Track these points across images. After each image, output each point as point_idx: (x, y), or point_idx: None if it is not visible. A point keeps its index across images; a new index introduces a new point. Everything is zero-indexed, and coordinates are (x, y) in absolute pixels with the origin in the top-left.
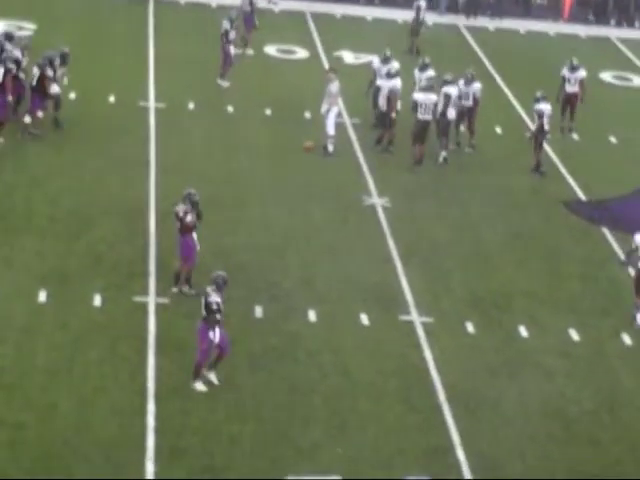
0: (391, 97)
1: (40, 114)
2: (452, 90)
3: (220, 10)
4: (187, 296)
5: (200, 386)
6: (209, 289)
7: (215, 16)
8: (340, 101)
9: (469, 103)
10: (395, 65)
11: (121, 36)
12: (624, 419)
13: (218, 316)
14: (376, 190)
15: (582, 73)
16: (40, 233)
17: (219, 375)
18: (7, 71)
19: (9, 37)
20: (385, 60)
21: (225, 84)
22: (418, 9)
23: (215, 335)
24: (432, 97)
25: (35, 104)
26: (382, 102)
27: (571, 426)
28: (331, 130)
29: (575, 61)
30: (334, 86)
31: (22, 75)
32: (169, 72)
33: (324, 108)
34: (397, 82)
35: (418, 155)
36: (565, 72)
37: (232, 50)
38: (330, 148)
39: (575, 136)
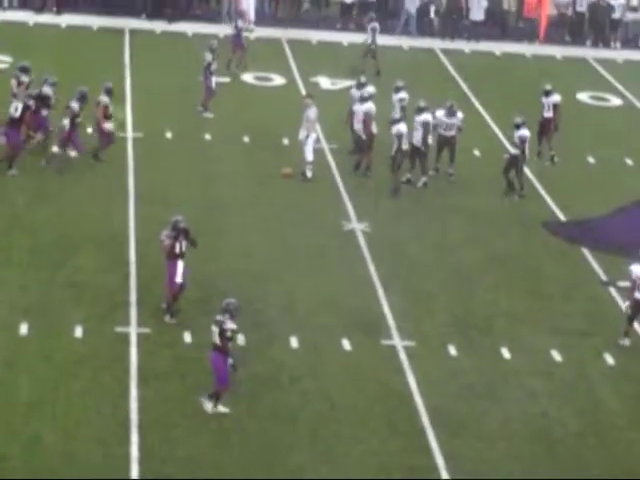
0: (366, 120)
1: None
2: (429, 117)
3: (196, 38)
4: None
5: (224, 409)
6: (221, 317)
7: (191, 45)
8: (318, 127)
9: (452, 133)
10: (369, 89)
11: (97, 66)
12: (608, 439)
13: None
14: (355, 215)
15: (555, 98)
16: (20, 264)
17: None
18: (26, 108)
19: (24, 69)
20: (359, 86)
21: (210, 115)
22: (373, 31)
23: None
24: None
25: (76, 140)
26: (358, 127)
27: (555, 447)
28: (309, 156)
29: (548, 86)
30: (312, 112)
31: (45, 112)
32: (146, 102)
33: (302, 134)
34: (371, 105)
35: (398, 183)
36: (542, 97)
37: (214, 82)
38: (309, 174)
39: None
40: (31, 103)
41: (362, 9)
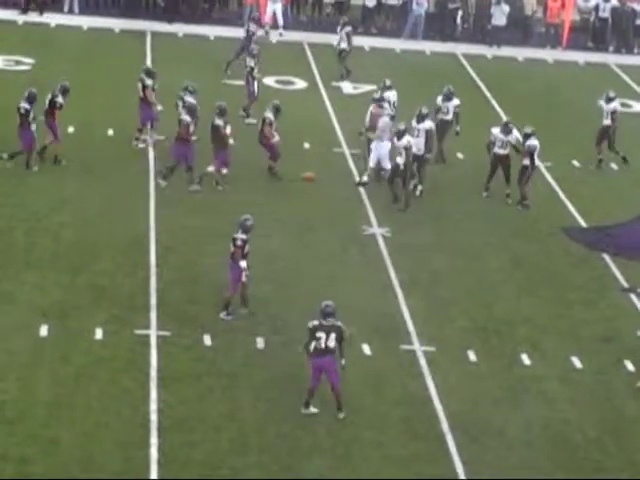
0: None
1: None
2: (431, 124)
3: (218, 41)
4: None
5: (313, 409)
6: (317, 322)
7: (213, 48)
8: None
9: (506, 151)
10: (392, 95)
11: (119, 69)
12: (629, 446)
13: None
14: (376, 220)
15: (615, 105)
16: (41, 267)
17: (222, 408)
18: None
19: (149, 73)
20: (386, 88)
21: (253, 121)
22: (348, 35)
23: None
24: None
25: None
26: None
27: (575, 453)
28: (372, 163)
29: (612, 93)
30: (382, 121)
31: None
32: (168, 104)
33: (374, 140)
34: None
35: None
36: (601, 103)
37: (256, 87)
38: (365, 179)
39: (576, 162)
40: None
41: (383, 12)
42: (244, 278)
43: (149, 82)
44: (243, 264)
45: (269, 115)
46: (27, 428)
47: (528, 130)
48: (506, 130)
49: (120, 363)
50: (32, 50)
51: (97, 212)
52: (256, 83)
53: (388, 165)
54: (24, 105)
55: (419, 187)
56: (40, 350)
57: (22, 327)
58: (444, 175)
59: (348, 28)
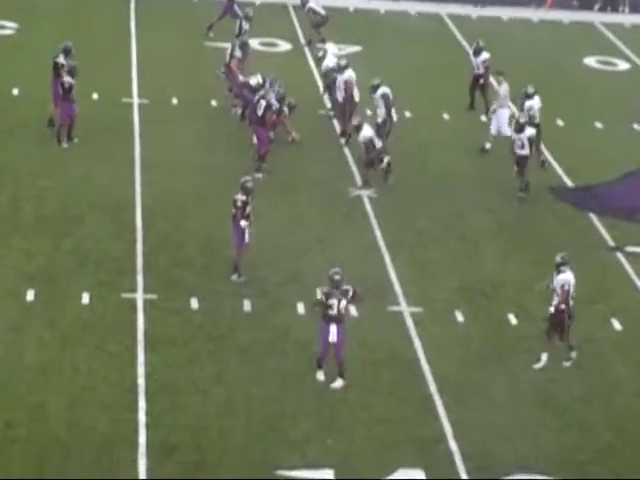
0: (347, 87)
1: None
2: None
3: (202, 5)
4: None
5: (321, 376)
6: (327, 289)
7: (197, 11)
8: (510, 103)
9: (524, 152)
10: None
11: (103, 33)
12: (615, 404)
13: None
14: (362, 181)
15: (483, 56)
16: (26, 232)
17: (209, 371)
18: (268, 107)
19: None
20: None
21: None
22: (313, 10)
23: (332, 332)
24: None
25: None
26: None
27: (562, 412)
28: (493, 129)
29: (481, 43)
30: (503, 88)
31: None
32: (152, 68)
33: (492, 108)
34: (350, 73)
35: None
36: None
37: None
38: (487, 146)
39: (560, 122)
40: (274, 102)
41: None
42: (247, 239)
43: (238, 54)
44: (243, 223)
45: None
46: (13, 392)
47: (530, 90)
48: (519, 128)
49: (107, 327)
50: (15, 14)
51: (81, 176)
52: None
53: (508, 132)
54: (68, 80)
55: (386, 158)
56: (26, 315)
57: (8, 292)
58: (430, 136)
59: (310, 4)
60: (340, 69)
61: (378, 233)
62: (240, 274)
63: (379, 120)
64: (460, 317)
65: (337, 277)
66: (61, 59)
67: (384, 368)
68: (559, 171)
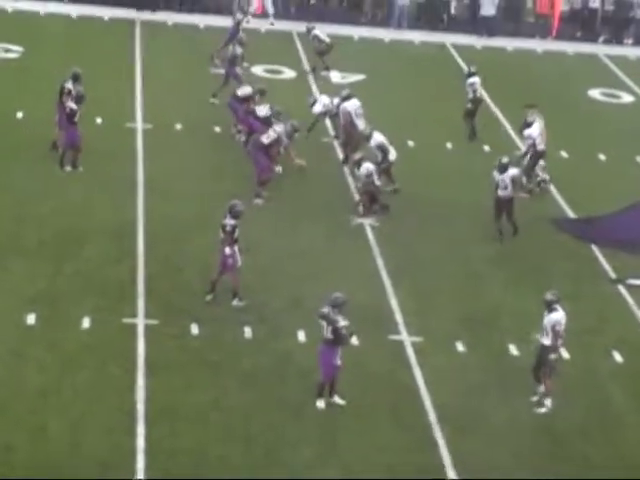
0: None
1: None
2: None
3: (208, 31)
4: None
5: (321, 404)
6: (331, 313)
7: (202, 36)
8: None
9: (506, 193)
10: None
11: (108, 57)
12: (615, 436)
13: (353, 339)
14: (363, 209)
15: (472, 79)
16: (29, 255)
17: (209, 397)
18: (276, 141)
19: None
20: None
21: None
22: (317, 37)
23: (337, 358)
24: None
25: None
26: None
27: (562, 443)
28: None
29: (472, 69)
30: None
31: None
32: (156, 93)
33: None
34: (355, 102)
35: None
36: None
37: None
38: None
39: (564, 153)
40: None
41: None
42: (232, 263)
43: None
44: (227, 250)
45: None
46: (14, 415)
47: (529, 119)
48: (501, 168)
49: (107, 351)
50: (21, 38)
51: (84, 200)
52: (238, 69)
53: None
54: (71, 105)
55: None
56: (27, 338)
57: (9, 315)
58: (433, 164)
59: (315, 32)
60: (343, 99)
61: (380, 261)
62: (240, 298)
63: (378, 159)
64: (461, 347)
65: (338, 301)
66: (69, 85)
67: (384, 396)
68: (561, 202)
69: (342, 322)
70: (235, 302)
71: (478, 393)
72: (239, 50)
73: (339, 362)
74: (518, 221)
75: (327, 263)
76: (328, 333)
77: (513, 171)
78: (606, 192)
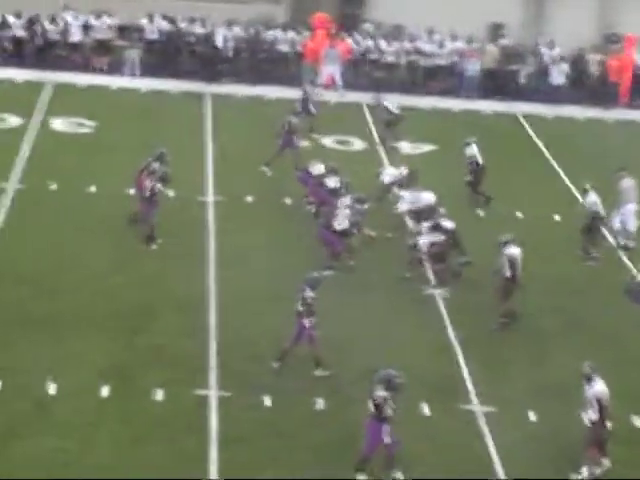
0: None
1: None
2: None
3: (276, 102)
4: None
5: (362, 476)
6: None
7: (271, 108)
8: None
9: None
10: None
11: (180, 131)
12: None
13: (389, 412)
14: (435, 280)
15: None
16: (101, 328)
17: (283, 469)
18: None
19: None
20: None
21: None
22: (387, 109)
23: (384, 432)
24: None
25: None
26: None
27: None
28: (617, 224)
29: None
30: (625, 182)
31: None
32: (227, 166)
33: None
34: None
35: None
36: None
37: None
38: (631, 244)
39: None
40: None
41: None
42: (313, 334)
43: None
44: (307, 323)
45: None
46: None
47: (587, 186)
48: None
49: (180, 424)
50: (95, 113)
51: (156, 273)
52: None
53: (632, 227)
54: (156, 185)
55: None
56: (101, 411)
57: (83, 388)
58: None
59: (385, 103)
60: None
61: (450, 331)
62: (324, 367)
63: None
64: (533, 417)
65: (399, 380)
66: (155, 165)
67: (457, 467)
68: (634, 271)
69: (380, 393)
70: (318, 372)
71: (550, 464)
72: (294, 120)
73: (387, 439)
74: (589, 291)
75: (398, 333)
76: (371, 406)
77: (511, 250)
78: None
